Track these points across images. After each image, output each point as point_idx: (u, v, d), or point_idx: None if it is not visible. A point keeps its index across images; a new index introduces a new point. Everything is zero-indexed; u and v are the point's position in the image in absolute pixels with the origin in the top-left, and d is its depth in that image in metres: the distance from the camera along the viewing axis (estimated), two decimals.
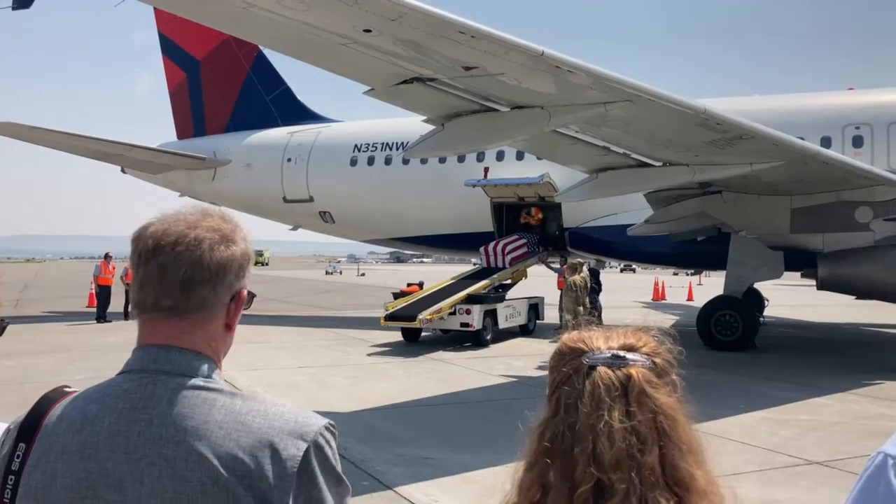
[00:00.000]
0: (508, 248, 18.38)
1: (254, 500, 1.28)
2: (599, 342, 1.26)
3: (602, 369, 1.21)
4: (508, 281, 18.75)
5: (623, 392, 1.19)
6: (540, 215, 20.05)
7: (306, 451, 1.32)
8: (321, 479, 1.33)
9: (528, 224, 20.13)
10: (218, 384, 1.39)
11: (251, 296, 1.50)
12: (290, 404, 1.41)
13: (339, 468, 1.38)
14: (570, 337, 1.30)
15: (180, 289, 1.39)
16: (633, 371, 1.21)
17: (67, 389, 1.45)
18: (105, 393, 1.38)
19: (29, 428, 1.37)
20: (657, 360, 1.25)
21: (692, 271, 40.97)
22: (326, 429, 1.37)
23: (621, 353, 1.23)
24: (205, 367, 1.40)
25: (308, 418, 1.37)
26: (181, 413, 1.32)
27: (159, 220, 1.45)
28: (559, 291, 19.07)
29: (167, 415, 1.32)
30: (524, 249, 18.69)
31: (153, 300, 1.41)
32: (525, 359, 13.19)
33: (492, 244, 18.64)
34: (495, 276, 17.74)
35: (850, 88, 19.43)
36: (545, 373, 1.34)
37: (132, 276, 1.46)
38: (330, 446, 1.36)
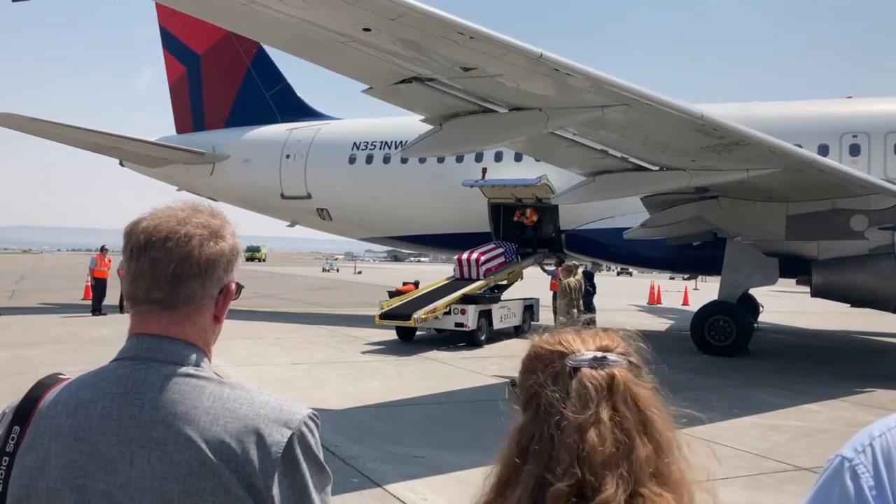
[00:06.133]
0: (483, 258, 17.82)
1: (239, 483, 1.33)
2: (578, 344, 1.29)
3: (587, 370, 1.24)
4: (504, 282, 18.76)
5: (608, 391, 1.23)
6: (535, 217, 20.00)
7: (290, 438, 1.37)
8: (304, 465, 1.38)
9: (523, 224, 20.05)
10: (207, 373, 1.44)
11: (239, 288, 1.55)
12: (276, 394, 1.45)
13: (321, 456, 1.42)
14: (546, 339, 1.32)
15: (170, 283, 1.44)
16: (615, 371, 1.25)
17: (62, 376, 1.49)
18: (99, 378, 1.43)
19: (24, 411, 1.42)
20: (632, 359, 1.29)
21: (688, 276, 41.03)
22: (310, 418, 1.42)
23: (601, 354, 1.27)
24: (194, 357, 1.45)
25: (292, 407, 1.42)
26: (171, 398, 1.37)
27: (150, 216, 1.50)
28: (552, 293, 19.10)
29: (158, 400, 1.37)
30: (500, 260, 18.21)
31: (144, 293, 1.46)
32: (518, 360, 13.20)
33: (465, 254, 18.05)
34: (491, 276, 17.74)
35: (848, 97, 19.50)
36: None
37: (124, 270, 1.51)
38: (313, 435, 1.41)
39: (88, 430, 1.36)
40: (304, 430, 1.39)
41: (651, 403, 1.25)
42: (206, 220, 1.49)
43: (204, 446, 1.33)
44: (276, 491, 1.34)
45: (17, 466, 1.37)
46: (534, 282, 22.01)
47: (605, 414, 1.20)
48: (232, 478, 1.32)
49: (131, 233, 1.49)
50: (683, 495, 1.21)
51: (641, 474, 1.18)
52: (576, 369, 1.24)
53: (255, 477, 1.33)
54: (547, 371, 1.27)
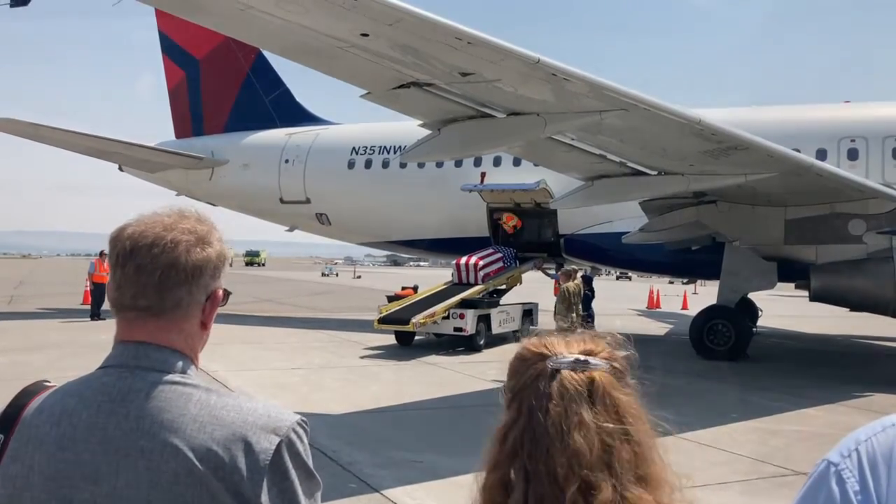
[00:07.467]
0: (481, 263, 17.76)
1: (227, 491, 1.31)
2: (561, 347, 1.30)
3: (566, 373, 1.25)
4: (503, 286, 18.76)
5: (588, 394, 1.24)
6: (513, 222, 19.92)
7: (278, 446, 1.35)
8: (293, 472, 1.36)
9: (504, 229, 19.96)
10: (194, 380, 1.42)
11: (226, 294, 1.53)
12: (264, 401, 1.44)
13: (310, 463, 1.40)
14: (531, 342, 1.34)
15: (156, 290, 1.42)
16: (595, 374, 1.26)
17: (47, 384, 1.48)
18: (84, 387, 1.41)
19: (8, 420, 1.40)
20: (615, 364, 1.30)
21: (687, 280, 41.04)
22: (299, 424, 1.40)
23: (582, 357, 1.28)
24: (181, 364, 1.43)
25: (280, 414, 1.40)
26: (158, 406, 1.35)
27: (136, 222, 1.48)
28: (555, 297, 19.09)
29: (144, 408, 1.35)
30: (499, 265, 18.16)
31: (130, 300, 1.44)
32: None
33: (464, 258, 18.00)
34: (489, 281, 17.73)
35: (846, 101, 19.53)
36: None
37: (109, 276, 1.49)
38: (302, 442, 1.39)
39: (73, 440, 1.35)
40: (293, 436, 1.38)
41: (631, 408, 1.26)
42: (192, 226, 1.47)
43: (191, 455, 1.31)
44: (264, 499, 1.32)
45: (1, 476, 1.36)
46: (534, 286, 22.01)
47: (587, 416, 1.21)
48: (219, 486, 1.30)
49: (117, 239, 1.47)
50: (663, 498, 1.22)
51: (624, 477, 1.20)
52: (556, 371, 1.25)
53: (243, 485, 1.31)
54: (528, 373, 1.28)
